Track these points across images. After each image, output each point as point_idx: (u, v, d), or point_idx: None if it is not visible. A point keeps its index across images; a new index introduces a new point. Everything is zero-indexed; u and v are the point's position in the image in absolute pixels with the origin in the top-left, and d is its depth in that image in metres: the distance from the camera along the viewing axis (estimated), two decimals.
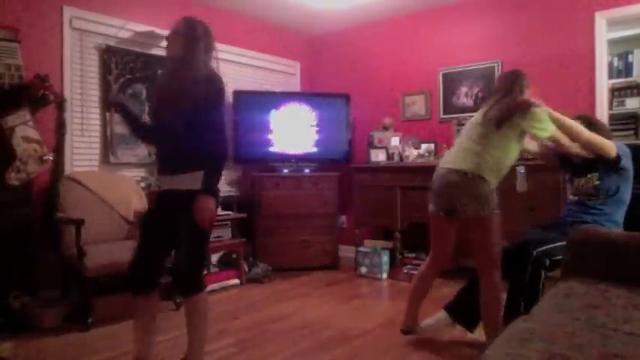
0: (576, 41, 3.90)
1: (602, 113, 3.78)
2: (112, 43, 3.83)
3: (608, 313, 1.70)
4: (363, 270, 4.42)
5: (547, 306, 1.84)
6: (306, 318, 3.21)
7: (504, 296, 2.52)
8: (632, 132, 4.39)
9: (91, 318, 3.00)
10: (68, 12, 3.58)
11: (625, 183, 2.62)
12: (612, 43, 4.11)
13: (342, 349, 2.67)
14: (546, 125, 2.43)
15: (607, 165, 2.58)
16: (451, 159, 2.54)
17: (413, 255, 4.38)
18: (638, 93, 4.34)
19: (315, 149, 4.80)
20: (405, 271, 4.28)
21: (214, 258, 4.22)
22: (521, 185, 2.96)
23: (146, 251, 2.18)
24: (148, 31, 3.98)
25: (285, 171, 4.71)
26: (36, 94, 3.16)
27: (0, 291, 2.99)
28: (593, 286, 2.02)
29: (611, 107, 4.21)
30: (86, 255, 2.97)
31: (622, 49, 4.40)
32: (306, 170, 4.77)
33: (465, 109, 4.41)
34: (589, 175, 2.67)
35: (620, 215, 2.63)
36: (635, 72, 4.34)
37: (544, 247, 2.47)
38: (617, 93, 4.41)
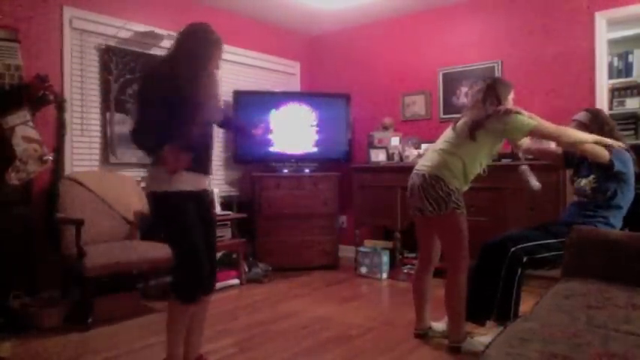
0: (576, 41, 3.90)
1: None
2: (112, 43, 3.84)
3: (608, 313, 1.70)
4: (363, 270, 4.42)
5: (547, 306, 1.84)
6: (306, 318, 3.21)
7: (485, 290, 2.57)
8: (632, 132, 4.38)
9: (91, 318, 3.00)
10: (68, 12, 3.57)
11: (623, 188, 2.58)
12: (612, 43, 4.11)
13: (342, 349, 2.67)
14: (519, 132, 2.49)
15: (602, 169, 2.57)
16: (420, 162, 2.68)
17: (413, 255, 4.36)
18: (638, 93, 4.33)
19: (315, 149, 4.80)
20: (405, 271, 4.28)
21: None
22: (533, 184, 2.81)
23: (204, 254, 2.11)
24: (148, 31, 3.98)
25: (285, 171, 4.71)
26: (36, 94, 3.16)
27: (0, 291, 2.99)
28: (593, 286, 2.02)
29: (611, 107, 4.21)
30: (86, 255, 2.97)
31: (622, 49, 4.39)
32: (306, 170, 4.76)
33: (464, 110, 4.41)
34: (589, 177, 2.67)
35: (616, 219, 2.61)
36: (635, 72, 4.33)
37: (523, 245, 2.50)
38: (617, 93, 4.40)
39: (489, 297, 2.54)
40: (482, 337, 2.57)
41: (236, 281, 4.08)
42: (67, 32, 3.57)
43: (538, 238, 2.56)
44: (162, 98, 1.98)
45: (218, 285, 3.89)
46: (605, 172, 2.55)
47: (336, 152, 4.88)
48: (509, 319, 2.46)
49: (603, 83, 3.82)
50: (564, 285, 2.08)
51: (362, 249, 4.48)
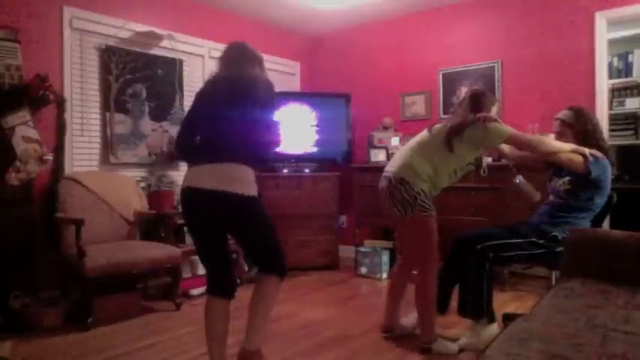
0: (576, 41, 3.90)
1: (602, 113, 3.78)
2: (112, 43, 3.84)
3: (608, 313, 1.70)
4: (363, 270, 4.42)
5: (547, 306, 1.84)
6: (306, 318, 3.21)
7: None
8: (632, 132, 4.39)
9: (91, 318, 3.00)
10: (68, 12, 3.57)
11: (597, 194, 2.59)
12: (612, 43, 4.11)
13: (342, 349, 2.67)
14: (498, 138, 2.52)
15: (579, 175, 2.56)
16: (388, 164, 2.68)
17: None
18: (638, 93, 4.34)
19: (315, 149, 4.80)
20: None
21: None
22: (532, 194, 2.80)
23: None
24: (148, 31, 3.98)
25: (285, 171, 4.71)
26: (36, 94, 3.17)
27: (0, 291, 2.99)
28: (593, 286, 2.02)
29: (611, 107, 4.21)
30: (86, 255, 2.97)
31: (622, 49, 4.40)
32: (306, 170, 4.76)
33: None
34: (564, 178, 2.68)
35: (585, 221, 2.62)
36: (635, 72, 4.34)
37: (490, 242, 2.53)
38: (617, 93, 4.41)
39: (455, 289, 2.62)
40: (452, 342, 2.60)
41: (236, 281, 4.07)
42: (67, 32, 3.57)
43: (505, 237, 2.59)
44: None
45: None
46: (582, 178, 2.55)
47: (336, 152, 4.88)
48: (482, 316, 2.54)
49: (603, 83, 3.82)
50: (564, 285, 2.08)
51: (362, 249, 4.48)
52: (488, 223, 3.64)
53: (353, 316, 3.26)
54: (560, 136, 2.72)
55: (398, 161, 2.60)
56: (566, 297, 1.91)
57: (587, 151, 2.52)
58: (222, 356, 2.21)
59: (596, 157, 2.51)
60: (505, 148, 2.80)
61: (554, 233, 2.56)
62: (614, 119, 4.24)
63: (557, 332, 1.49)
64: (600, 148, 2.60)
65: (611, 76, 4.17)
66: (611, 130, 4.05)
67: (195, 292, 3.74)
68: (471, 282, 2.53)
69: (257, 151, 2.16)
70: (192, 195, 2.08)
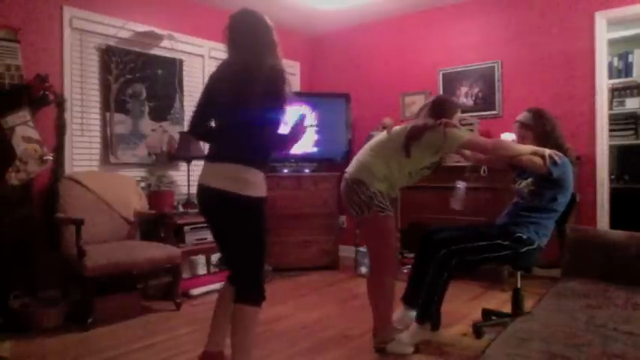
0: (576, 41, 3.90)
1: (602, 113, 3.79)
2: (112, 43, 3.84)
3: (608, 313, 1.70)
4: (363, 270, 4.42)
5: (547, 306, 1.84)
6: (305, 318, 3.21)
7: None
8: (632, 132, 4.39)
9: (91, 318, 2.99)
10: (68, 12, 3.57)
11: (560, 193, 2.58)
12: (612, 43, 4.11)
13: (342, 349, 2.67)
14: (454, 143, 2.50)
15: (541, 176, 2.56)
16: (348, 167, 2.68)
17: (413, 255, 4.36)
18: (638, 93, 4.34)
19: (314, 149, 4.80)
20: (405, 271, 4.28)
21: (214, 258, 4.21)
22: (456, 202, 2.89)
23: None
24: (148, 31, 3.98)
25: (285, 171, 4.71)
26: (36, 94, 3.17)
27: (0, 291, 2.99)
28: (593, 286, 2.02)
29: (611, 107, 4.21)
30: (86, 255, 2.97)
31: (622, 49, 4.40)
32: (306, 170, 4.77)
33: (465, 109, 4.41)
34: (527, 180, 2.67)
35: (550, 221, 2.62)
36: (635, 72, 4.35)
37: (456, 247, 2.52)
38: (617, 93, 4.41)
39: (420, 286, 2.65)
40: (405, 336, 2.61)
41: None
42: (67, 32, 3.57)
43: (472, 239, 2.58)
44: None
45: (217, 286, 3.90)
46: (544, 179, 2.55)
47: (335, 152, 4.88)
48: (429, 321, 2.54)
49: (603, 83, 3.82)
50: (564, 285, 2.08)
51: (362, 249, 4.47)
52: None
53: (353, 316, 3.26)
54: (521, 139, 2.71)
55: (355, 163, 2.62)
56: (566, 297, 1.91)
57: (547, 152, 2.51)
58: (217, 333, 2.22)
59: (554, 160, 2.48)
60: (467, 151, 2.81)
61: (518, 234, 2.55)
62: (614, 119, 4.23)
63: (557, 332, 1.50)
64: (559, 148, 2.59)
65: (611, 76, 4.17)
66: (611, 130, 4.04)
67: (195, 292, 3.74)
68: (427, 286, 2.54)
69: (253, 153, 2.07)
70: (202, 192, 2.12)
